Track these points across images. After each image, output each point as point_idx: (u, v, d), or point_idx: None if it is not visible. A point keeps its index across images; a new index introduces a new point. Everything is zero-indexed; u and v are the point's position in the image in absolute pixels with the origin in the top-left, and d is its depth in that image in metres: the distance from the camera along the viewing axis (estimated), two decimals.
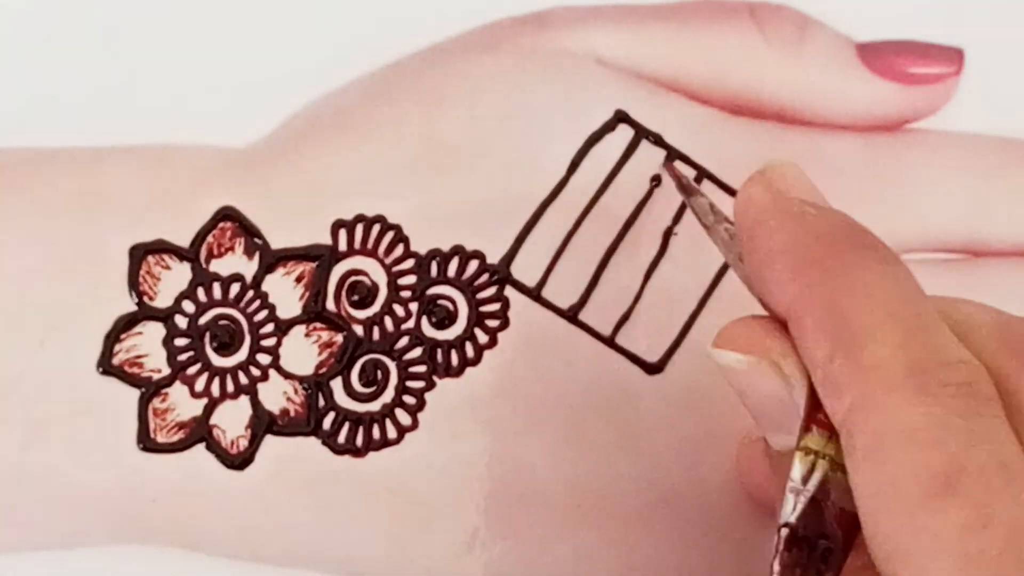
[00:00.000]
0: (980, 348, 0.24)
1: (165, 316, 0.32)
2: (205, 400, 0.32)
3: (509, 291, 0.33)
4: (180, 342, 0.32)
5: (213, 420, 0.32)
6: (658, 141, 0.35)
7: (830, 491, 0.24)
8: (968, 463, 0.22)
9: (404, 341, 0.33)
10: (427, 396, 0.33)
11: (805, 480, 0.24)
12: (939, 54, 0.36)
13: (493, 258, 0.33)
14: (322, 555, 0.33)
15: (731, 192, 0.35)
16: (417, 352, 0.33)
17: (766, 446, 0.27)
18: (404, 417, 0.32)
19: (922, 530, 0.22)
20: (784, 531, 0.24)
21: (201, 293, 0.33)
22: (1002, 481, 0.22)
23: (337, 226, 0.33)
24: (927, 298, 0.25)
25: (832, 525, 0.24)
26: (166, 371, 0.32)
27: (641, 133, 0.35)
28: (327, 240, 0.33)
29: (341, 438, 0.32)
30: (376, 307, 0.33)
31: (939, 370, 0.23)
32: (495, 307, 0.33)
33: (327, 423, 0.32)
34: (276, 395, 0.32)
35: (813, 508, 0.24)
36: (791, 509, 0.24)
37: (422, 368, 0.33)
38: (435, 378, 0.33)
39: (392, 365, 0.33)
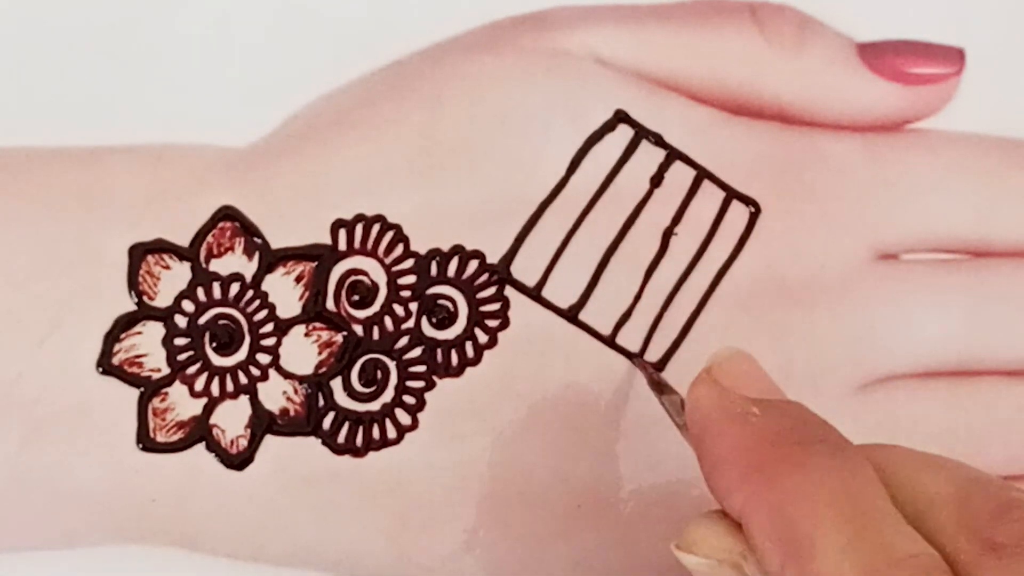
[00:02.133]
0: (938, 529, 0.24)
1: (165, 316, 0.32)
2: (205, 400, 0.32)
3: (509, 291, 0.33)
4: (180, 342, 0.32)
5: (213, 420, 0.32)
6: (658, 141, 0.35)
7: None
8: None
9: (404, 341, 0.33)
10: (427, 396, 0.33)
11: None
12: (940, 54, 0.36)
13: (493, 258, 0.33)
14: (322, 555, 0.33)
15: (732, 192, 0.35)
16: (417, 352, 0.33)
17: None
18: (404, 417, 0.32)
19: None
20: None
21: (201, 293, 0.32)
22: None
23: (337, 226, 0.33)
24: (878, 486, 0.25)
25: None
26: (166, 371, 0.32)
27: (641, 133, 0.35)
28: (327, 240, 0.33)
29: (341, 438, 0.32)
30: (376, 307, 0.33)
31: (891, 570, 0.23)
32: (495, 307, 0.33)
33: (327, 423, 0.32)
34: (276, 395, 0.32)
35: None
36: None
37: (422, 368, 0.33)
38: (435, 378, 0.33)
39: (392, 365, 0.33)
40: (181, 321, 0.32)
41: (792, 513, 0.24)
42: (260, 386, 0.32)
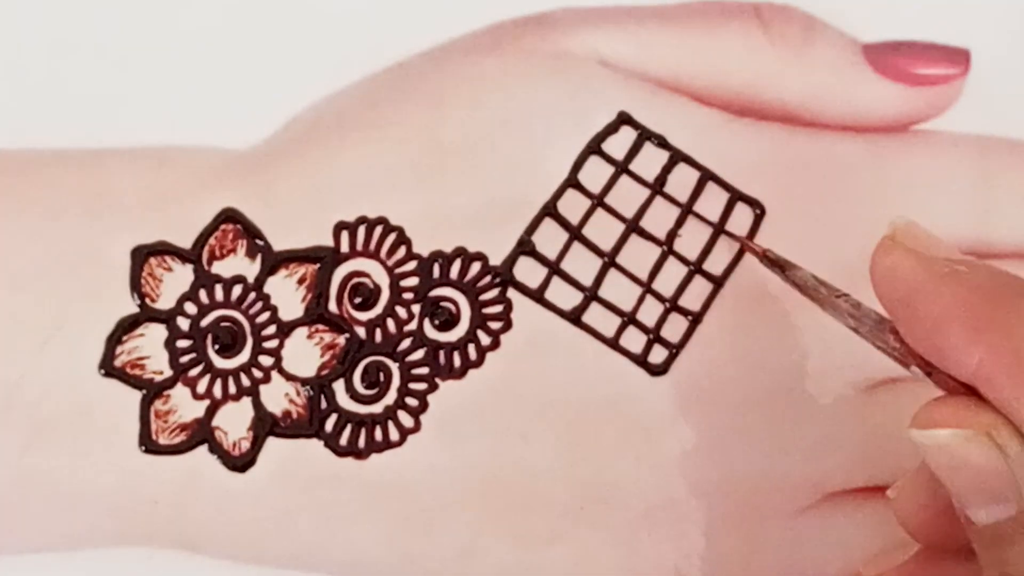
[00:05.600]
0: None
1: (167, 318, 0.32)
2: (207, 402, 0.32)
3: (512, 293, 0.33)
4: (182, 344, 0.32)
5: (215, 422, 0.32)
6: (661, 143, 0.34)
7: None
8: None
9: (406, 343, 0.33)
10: (429, 398, 0.33)
11: None
12: (945, 55, 0.36)
13: (496, 260, 0.33)
14: (324, 557, 0.33)
15: (736, 194, 0.34)
16: (419, 354, 0.33)
17: (966, 523, 0.26)
18: (406, 419, 0.32)
19: None
20: None
21: (203, 295, 0.33)
22: None
23: (339, 228, 0.33)
24: None
25: None
26: (168, 373, 0.32)
27: (644, 135, 0.34)
28: (329, 242, 0.33)
29: (343, 440, 0.32)
30: (378, 309, 0.33)
31: None
32: (497, 309, 0.33)
33: (329, 425, 0.32)
34: (278, 397, 0.32)
35: None
36: None
37: (424, 370, 0.33)
38: (437, 380, 0.33)
39: (394, 367, 0.33)
40: (183, 323, 0.32)
41: None
42: (262, 388, 0.32)
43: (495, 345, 0.33)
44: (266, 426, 0.32)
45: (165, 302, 0.32)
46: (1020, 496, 0.25)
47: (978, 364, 0.25)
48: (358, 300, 0.33)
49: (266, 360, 0.32)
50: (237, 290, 0.33)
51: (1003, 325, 0.25)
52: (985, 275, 0.26)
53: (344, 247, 0.33)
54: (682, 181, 0.34)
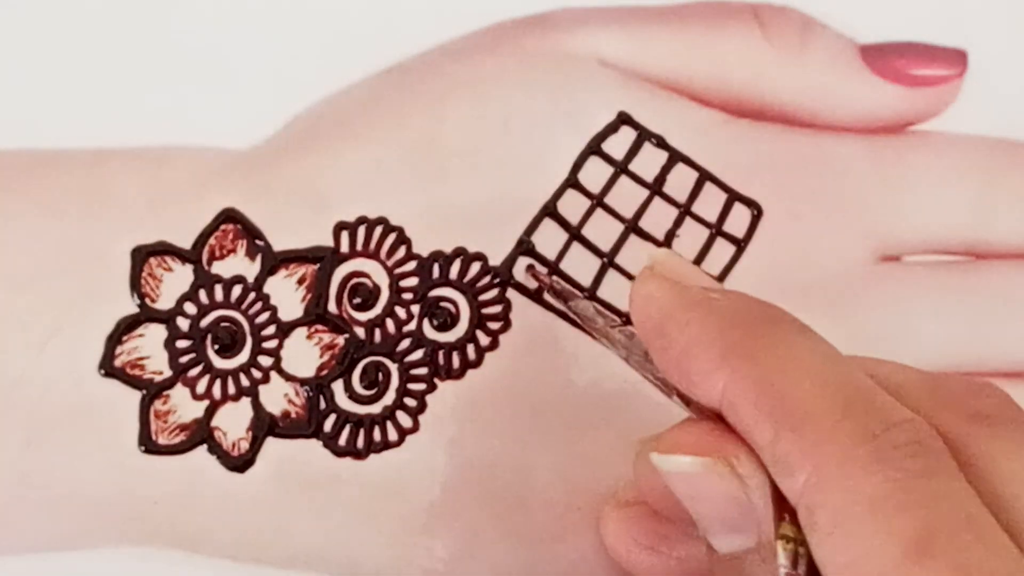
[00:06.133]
0: (914, 405, 0.24)
1: (167, 318, 0.32)
2: (206, 402, 0.32)
3: (511, 293, 0.33)
4: (182, 344, 0.32)
5: (214, 422, 0.32)
6: (660, 143, 0.35)
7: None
8: (939, 524, 0.22)
9: (406, 343, 0.33)
10: (428, 398, 0.33)
11: (794, 565, 0.24)
12: (942, 56, 0.36)
13: (495, 260, 0.33)
14: (323, 557, 0.33)
15: (734, 194, 0.35)
16: (418, 354, 0.33)
17: (708, 550, 0.26)
18: (405, 419, 0.32)
19: None
20: None
21: (203, 295, 0.33)
22: (973, 536, 0.22)
23: (339, 228, 0.33)
24: (852, 361, 0.25)
25: None
26: (168, 373, 0.32)
27: (644, 135, 0.35)
28: (329, 242, 0.33)
29: (342, 440, 0.32)
30: (378, 309, 0.33)
31: (888, 433, 0.23)
32: (497, 309, 0.33)
33: (328, 425, 0.32)
34: (277, 397, 0.32)
35: None
36: None
37: (423, 370, 0.33)
38: (436, 380, 0.33)
39: (393, 367, 0.33)
40: (183, 323, 0.32)
41: (782, 385, 0.24)
42: (262, 388, 0.32)
43: (494, 345, 0.33)
44: (265, 426, 0.32)
45: (165, 302, 0.32)
46: (758, 527, 0.24)
47: (723, 390, 0.25)
48: (357, 300, 0.33)
49: (265, 360, 0.32)
50: (237, 290, 0.33)
51: (748, 351, 0.24)
52: (737, 302, 0.26)
53: (344, 247, 0.33)
54: (681, 181, 0.35)
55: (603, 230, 0.34)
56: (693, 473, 0.25)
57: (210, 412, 0.32)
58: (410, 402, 0.32)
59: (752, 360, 0.24)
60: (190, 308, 0.32)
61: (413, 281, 0.33)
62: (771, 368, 0.24)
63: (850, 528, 0.22)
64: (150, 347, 0.32)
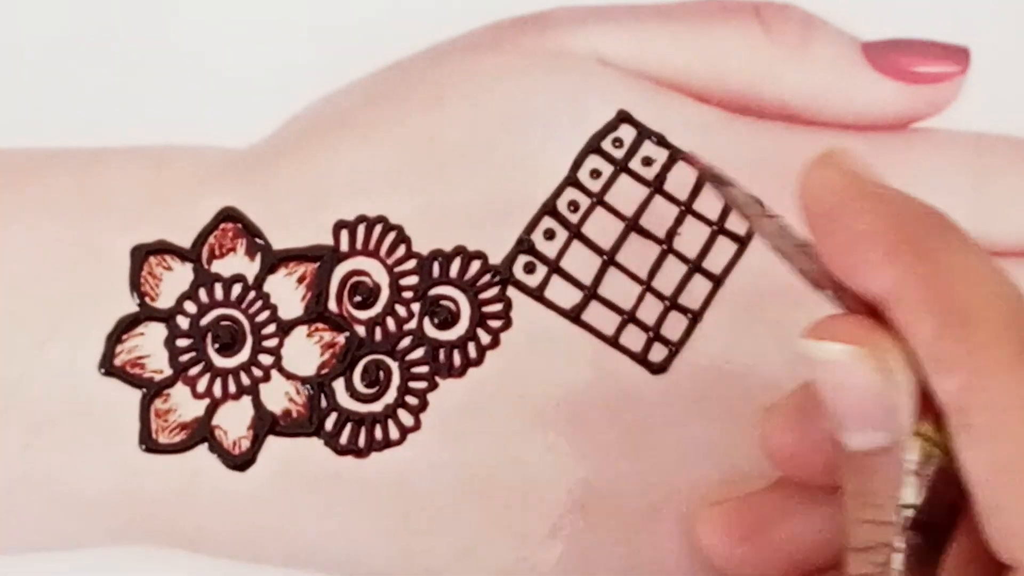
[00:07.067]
0: None
1: (167, 317, 0.32)
2: (207, 401, 0.32)
3: (511, 291, 0.33)
4: (182, 343, 0.32)
5: (215, 421, 0.32)
6: (661, 141, 0.34)
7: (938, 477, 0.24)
8: None
9: (406, 341, 0.33)
10: (429, 397, 0.32)
11: (923, 465, 0.24)
12: (945, 53, 0.36)
13: (495, 258, 0.33)
14: (324, 556, 0.33)
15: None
16: (419, 352, 0.33)
17: (836, 446, 0.26)
18: (406, 418, 0.32)
19: None
20: (910, 512, 0.24)
21: (203, 294, 0.33)
22: None
23: (339, 226, 0.33)
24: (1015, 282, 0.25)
25: (940, 510, 0.24)
26: (168, 372, 0.32)
27: (644, 133, 0.34)
28: (329, 241, 0.33)
29: (343, 439, 0.32)
30: (378, 307, 0.33)
31: None
32: (497, 307, 0.33)
33: (329, 424, 0.32)
34: (278, 396, 0.32)
35: (928, 493, 0.24)
36: (914, 492, 0.24)
37: (424, 368, 0.33)
38: (437, 378, 0.33)
39: (394, 366, 0.33)
40: (183, 322, 0.32)
41: (952, 285, 0.24)
42: (262, 387, 0.32)
43: (495, 344, 0.33)
44: (266, 425, 0.32)
45: (165, 301, 0.32)
46: (896, 427, 0.25)
47: (889, 282, 0.25)
48: (358, 299, 0.33)
49: (266, 359, 0.32)
50: (237, 289, 0.33)
51: (921, 249, 0.25)
52: (912, 202, 0.26)
53: (344, 246, 0.33)
54: (681, 180, 0.34)
55: (603, 228, 0.34)
56: (843, 363, 0.25)
57: (211, 411, 0.32)
58: (411, 400, 0.32)
59: (925, 258, 0.25)
60: (190, 307, 0.32)
61: (413, 279, 0.33)
62: (943, 267, 0.24)
63: (1004, 434, 0.23)
64: (150, 346, 0.32)
